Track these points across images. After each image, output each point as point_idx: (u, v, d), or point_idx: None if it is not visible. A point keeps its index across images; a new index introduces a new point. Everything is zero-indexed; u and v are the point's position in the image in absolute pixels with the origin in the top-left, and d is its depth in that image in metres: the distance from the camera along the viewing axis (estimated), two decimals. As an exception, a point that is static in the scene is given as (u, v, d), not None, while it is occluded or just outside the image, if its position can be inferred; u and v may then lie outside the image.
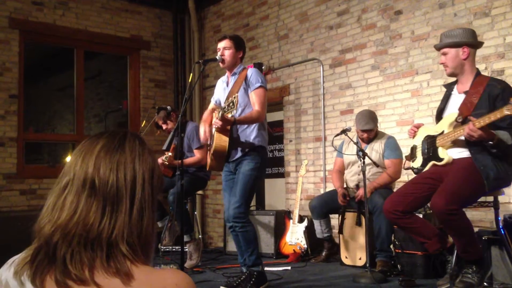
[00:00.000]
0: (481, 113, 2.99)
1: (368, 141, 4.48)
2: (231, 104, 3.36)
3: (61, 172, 1.06)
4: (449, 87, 3.41)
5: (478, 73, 3.24)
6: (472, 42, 3.22)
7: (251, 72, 3.72)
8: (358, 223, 4.42)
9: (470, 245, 3.02)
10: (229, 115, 3.43)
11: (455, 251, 3.15)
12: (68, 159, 1.07)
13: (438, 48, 3.33)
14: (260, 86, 3.66)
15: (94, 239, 0.95)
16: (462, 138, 3.06)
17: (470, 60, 3.21)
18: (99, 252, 0.94)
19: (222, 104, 3.71)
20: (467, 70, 3.22)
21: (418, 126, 3.48)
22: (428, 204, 3.82)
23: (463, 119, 3.07)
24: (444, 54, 3.25)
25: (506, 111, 2.73)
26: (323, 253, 4.80)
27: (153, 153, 1.11)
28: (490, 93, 3.04)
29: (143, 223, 1.01)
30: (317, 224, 4.72)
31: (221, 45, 3.80)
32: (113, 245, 0.96)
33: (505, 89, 3.04)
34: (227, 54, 3.77)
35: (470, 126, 2.89)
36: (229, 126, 3.55)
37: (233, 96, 3.38)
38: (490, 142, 2.92)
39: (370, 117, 4.41)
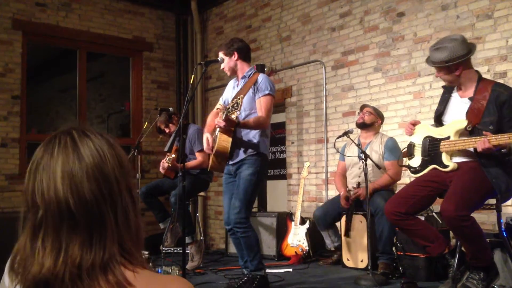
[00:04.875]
0: (489, 121, 2.95)
1: (361, 125, 4.51)
2: (235, 105, 3.35)
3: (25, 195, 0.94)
4: (449, 89, 3.32)
5: (480, 78, 3.15)
6: (464, 58, 3.06)
7: (261, 78, 3.70)
8: (349, 221, 4.43)
9: (480, 252, 2.98)
10: (233, 116, 3.42)
11: (457, 254, 3.13)
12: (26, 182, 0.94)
13: (430, 65, 3.26)
14: (268, 94, 3.65)
15: (88, 268, 0.88)
16: (471, 149, 3.01)
17: (466, 71, 3.11)
18: (98, 276, 0.88)
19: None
20: (465, 79, 3.13)
21: (415, 124, 3.39)
22: (431, 207, 3.84)
23: (472, 128, 3.01)
24: (437, 70, 3.18)
25: None
26: (334, 256, 4.78)
27: (112, 140, 0.99)
28: (497, 100, 2.98)
29: (130, 223, 0.95)
30: (325, 235, 4.70)
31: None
32: (109, 260, 0.90)
33: (511, 96, 3.00)
34: (223, 66, 3.83)
35: (486, 143, 2.83)
36: (232, 128, 3.56)
37: (238, 97, 3.37)
38: (503, 150, 2.88)
39: (374, 108, 4.59)
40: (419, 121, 3.50)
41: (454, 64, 3.06)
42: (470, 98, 3.11)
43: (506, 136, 2.81)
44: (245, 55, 3.82)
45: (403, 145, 4.48)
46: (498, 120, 2.96)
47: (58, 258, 0.88)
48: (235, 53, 3.77)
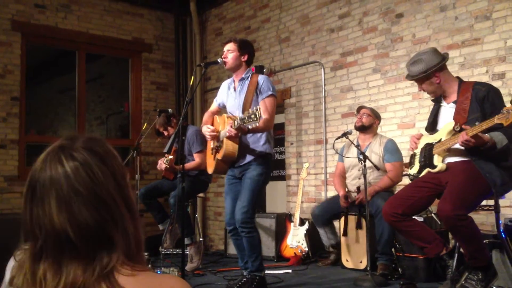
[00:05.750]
0: (474, 117, 3.05)
1: (361, 128, 4.50)
2: (253, 116, 3.28)
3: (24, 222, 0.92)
4: (438, 100, 3.43)
5: (460, 81, 3.29)
6: (439, 65, 3.21)
7: (262, 79, 3.72)
8: (359, 226, 4.42)
9: (478, 252, 2.99)
10: (249, 126, 3.40)
11: (456, 255, 3.13)
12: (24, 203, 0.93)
13: (410, 80, 3.41)
14: (271, 94, 3.68)
15: (89, 286, 0.87)
16: (457, 146, 3.07)
17: (445, 78, 3.26)
18: (94, 286, 0.88)
19: (241, 115, 3.56)
20: (447, 85, 3.28)
21: (419, 137, 3.47)
22: (430, 208, 3.85)
23: (460, 127, 3.10)
24: (418, 84, 3.33)
25: (496, 120, 2.78)
26: (332, 257, 4.78)
27: (101, 150, 0.96)
28: (476, 97, 3.10)
29: (130, 238, 0.93)
30: (322, 232, 4.70)
31: (226, 48, 3.81)
32: (109, 272, 0.89)
33: (489, 90, 3.12)
34: (230, 56, 3.77)
35: (463, 135, 2.93)
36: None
37: (256, 108, 3.30)
38: (488, 144, 2.93)
39: (371, 109, 4.57)
40: (422, 134, 3.54)
41: (432, 72, 3.21)
42: (455, 102, 3.24)
43: (478, 125, 2.89)
44: (251, 61, 3.87)
45: (402, 147, 4.51)
46: (482, 116, 3.05)
47: (59, 283, 0.87)
48: (247, 55, 3.80)
